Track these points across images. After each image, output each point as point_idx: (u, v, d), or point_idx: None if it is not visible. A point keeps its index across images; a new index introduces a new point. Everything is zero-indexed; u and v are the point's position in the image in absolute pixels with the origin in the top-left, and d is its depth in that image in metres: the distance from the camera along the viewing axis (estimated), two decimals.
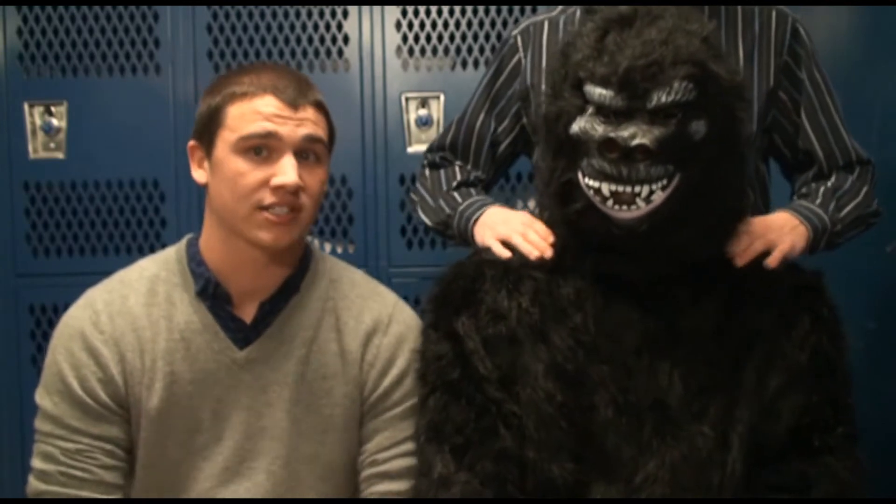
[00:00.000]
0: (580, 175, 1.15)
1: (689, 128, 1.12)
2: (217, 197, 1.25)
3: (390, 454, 1.29)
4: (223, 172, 1.23)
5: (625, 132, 1.10)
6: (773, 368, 1.21)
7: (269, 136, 1.21)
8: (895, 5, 1.83)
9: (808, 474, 1.20)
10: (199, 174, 1.29)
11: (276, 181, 1.20)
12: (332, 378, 1.29)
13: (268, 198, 1.21)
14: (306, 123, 1.24)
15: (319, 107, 1.28)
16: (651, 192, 1.12)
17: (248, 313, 1.29)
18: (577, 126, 1.15)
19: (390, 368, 1.31)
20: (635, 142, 1.09)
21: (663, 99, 1.10)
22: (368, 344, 1.31)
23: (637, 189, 1.11)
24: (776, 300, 1.23)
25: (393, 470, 1.29)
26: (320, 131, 1.27)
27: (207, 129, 1.25)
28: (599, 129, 1.12)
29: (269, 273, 1.29)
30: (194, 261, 1.29)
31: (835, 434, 1.22)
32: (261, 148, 1.21)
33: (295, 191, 1.22)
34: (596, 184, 1.13)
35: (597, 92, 1.12)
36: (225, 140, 1.23)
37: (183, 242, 1.34)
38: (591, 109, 1.14)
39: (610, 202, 1.13)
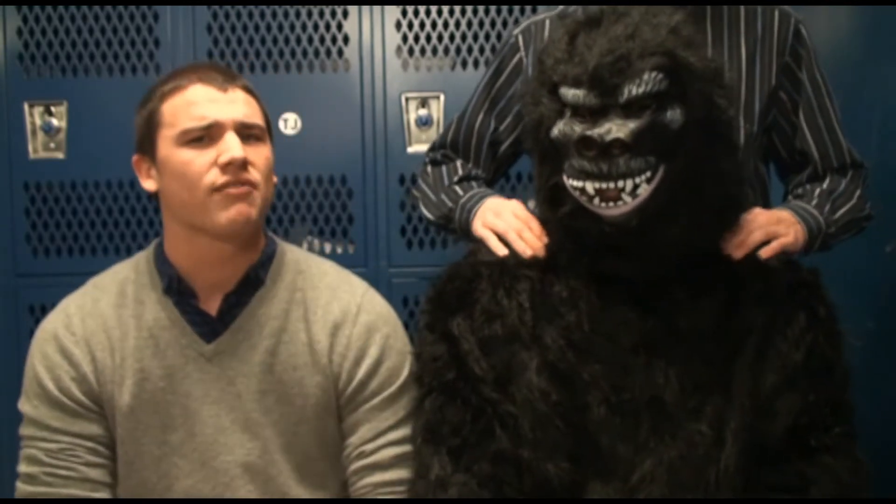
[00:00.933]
0: (565, 177, 1.16)
1: (665, 118, 1.12)
2: (171, 196, 1.27)
3: (376, 445, 1.30)
4: (171, 168, 1.25)
5: (601, 128, 1.11)
6: (769, 367, 1.21)
7: (209, 126, 1.23)
8: (895, 5, 1.83)
9: (806, 474, 1.20)
10: (148, 183, 1.30)
11: (223, 158, 1.22)
12: (303, 368, 1.30)
13: (219, 178, 1.23)
14: (238, 103, 1.27)
15: (248, 90, 1.31)
16: (636, 186, 1.12)
17: (213, 307, 1.30)
18: (556, 130, 1.16)
19: (363, 359, 1.31)
20: (610, 136, 1.10)
21: (634, 91, 1.10)
22: (337, 334, 1.31)
23: (620, 184, 1.11)
24: (773, 298, 1.23)
25: (383, 460, 1.30)
26: (253, 115, 1.29)
27: (147, 136, 1.28)
28: (577, 129, 1.13)
29: (232, 265, 1.30)
30: (160, 259, 1.32)
31: (832, 434, 1.22)
32: (202, 137, 1.24)
33: (243, 164, 1.23)
34: (580, 183, 1.13)
35: (570, 93, 1.13)
36: (166, 138, 1.25)
37: (152, 245, 1.36)
38: (568, 112, 1.15)
39: (596, 200, 1.13)
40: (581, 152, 1.11)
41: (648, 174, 1.12)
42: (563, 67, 1.14)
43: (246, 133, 1.26)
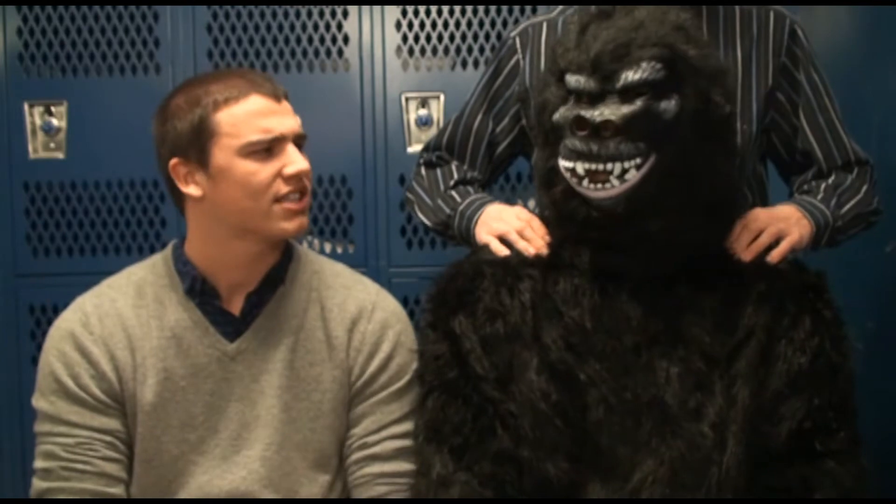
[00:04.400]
0: (559, 159, 1.18)
1: (658, 106, 1.15)
2: (226, 203, 1.28)
3: (380, 437, 1.32)
4: (232, 178, 1.26)
5: (595, 110, 1.14)
6: (774, 370, 1.20)
7: (275, 138, 1.26)
8: (895, 5, 1.83)
9: (809, 478, 1.20)
10: (192, 189, 1.29)
11: (290, 170, 1.27)
12: (320, 364, 1.33)
13: (283, 188, 1.27)
14: (290, 114, 1.31)
15: (288, 97, 1.33)
16: (624, 171, 1.14)
17: (235, 306, 1.33)
18: (558, 114, 1.19)
19: (376, 353, 1.34)
20: (601, 118, 1.12)
21: (630, 78, 1.13)
22: (354, 330, 1.34)
23: (609, 167, 1.14)
24: (777, 299, 1.23)
25: (384, 452, 1.32)
26: (300, 125, 1.33)
27: (195, 143, 1.26)
28: (574, 112, 1.16)
29: (257, 266, 1.33)
30: (180, 261, 1.33)
31: (837, 438, 1.22)
32: (267, 148, 1.27)
33: (306, 175, 1.29)
34: (570, 164, 1.16)
35: (573, 79, 1.17)
36: (226, 147, 1.25)
37: (169, 247, 1.37)
38: (572, 99, 1.18)
39: (585, 182, 1.15)
40: (574, 132, 1.14)
41: (638, 160, 1.14)
42: (570, 55, 1.18)
43: (298, 143, 1.30)
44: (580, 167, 1.15)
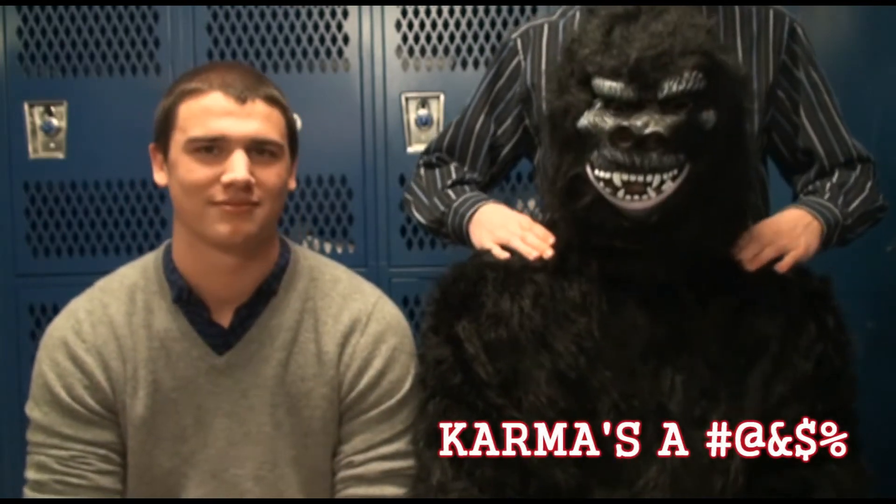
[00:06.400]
0: (589, 168, 1.15)
1: (700, 117, 1.12)
2: (175, 198, 1.24)
3: (366, 457, 1.28)
4: (176, 172, 1.22)
5: (638, 121, 1.10)
6: (778, 376, 1.20)
7: (217, 138, 1.19)
8: (895, 5, 1.83)
9: (810, 480, 1.20)
10: (159, 176, 1.27)
11: (225, 178, 1.18)
12: (311, 380, 1.28)
13: (219, 194, 1.19)
14: (253, 118, 1.20)
15: (272, 101, 1.24)
16: (662, 182, 1.11)
17: (225, 318, 1.27)
18: (585, 120, 1.15)
19: (367, 369, 1.28)
20: (649, 129, 1.09)
21: (674, 88, 1.10)
22: (346, 344, 1.29)
23: (649, 178, 1.11)
24: (783, 306, 1.23)
25: (369, 474, 1.27)
26: (271, 129, 1.23)
27: (163, 131, 1.24)
28: (610, 121, 1.12)
29: (242, 278, 1.27)
30: (168, 268, 1.28)
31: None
32: (211, 148, 1.20)
33: (246, 187, 1.19)
34: (607, 175, 1.12)
35: (606, 85, 1.12)
36: (177, 141, 1.21)
37: (161, 248, 1.32)
38: (599, 103, 1.14)
39: (621, 192, 1.12)
40: (615, 143, 1.10)
41: (675, 172, 1.12)
42: (598, 58, 1.13)
43: (259, 149, 1.21)
44: (618, 178, 1.12)
